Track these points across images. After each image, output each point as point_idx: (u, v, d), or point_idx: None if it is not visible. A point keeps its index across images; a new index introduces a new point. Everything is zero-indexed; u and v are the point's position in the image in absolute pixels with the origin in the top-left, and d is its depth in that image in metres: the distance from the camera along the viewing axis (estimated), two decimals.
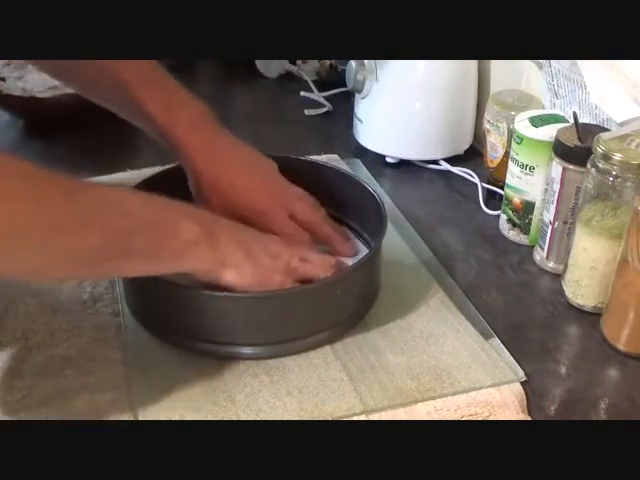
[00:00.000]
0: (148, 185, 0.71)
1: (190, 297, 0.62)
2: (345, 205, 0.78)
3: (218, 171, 0.70)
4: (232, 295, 0.63)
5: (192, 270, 0.61)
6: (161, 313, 0.64)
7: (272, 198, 0.71)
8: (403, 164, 0.96)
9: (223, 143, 0.71)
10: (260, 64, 1.22)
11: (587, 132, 0.70)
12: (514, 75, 0.91)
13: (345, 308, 0.66)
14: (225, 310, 0.63)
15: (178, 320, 0.63)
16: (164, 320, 0.64)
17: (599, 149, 0.65)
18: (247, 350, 0.63)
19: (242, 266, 0.61)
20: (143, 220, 0.56)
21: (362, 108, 0.97)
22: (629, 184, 0.65)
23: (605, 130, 0.70)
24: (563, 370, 0.65)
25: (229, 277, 0.61)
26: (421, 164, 0.96)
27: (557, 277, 0.74)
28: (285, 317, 0.63)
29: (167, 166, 0.78)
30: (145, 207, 0.57)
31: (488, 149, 0.88)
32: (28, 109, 1.01)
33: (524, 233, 0.81)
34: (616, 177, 0.65)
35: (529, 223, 0.80)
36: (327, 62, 1.20)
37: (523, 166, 0.77)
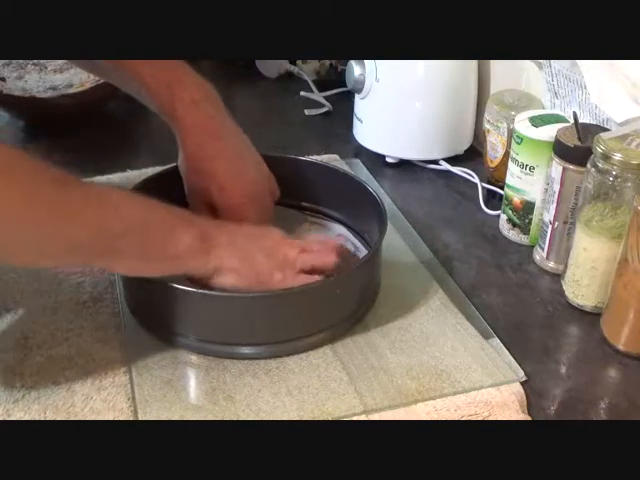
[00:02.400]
0: (148, 185, 0.71)
1: (190, 297, 0.61)
2: (345, 205, 0.78)
3: (203, 158, 0.70)
4: (232, 295, 0.63)
5: (185, 273, 0.61)
6: (161, 313, 0.64)
7: (248, 197, 0.70)
8: (403, 164, 0.96)
9: (217, 129, 0.71)
10: (260, 64, 1.22)
11: (587, 132, 0.70)
12: (514, 75, 0.91)
13: (345, 308, 0.66)
14: (225, 310, 0.62)
15: (178, 320, 0.63)
16: (164, 320, 0.64)
17: (599, 149, 0.65)
18: (247, 350, 0.63)
19: (239, 270, 0.62)
20: (134, 222, 0.56)
21: (362, 108, 0.97)
22: (629, 184, 0.65)
23: (605, 130, 0.70)
24: (563, 370, 0.65)
25: (228, 281, 0.61)
26: (421, 164, 0.96)
27: (557, 277, 0.74)
28: (285, 317, 0.63)
29: (167, 166, 0.77)
30: (138, 210, 0.57)
31: (488, 149, 0.88)
32: (28, 109, 1.01)
33: (524, 233, 0.81)
34: (616, 177, 0.65)
35: (529, 223, 0.80)
36: (327, 62, 1.20)
37: (523, 166, 0.77)
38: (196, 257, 0.60)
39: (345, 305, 0.66)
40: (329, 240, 0.69)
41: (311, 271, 0.64)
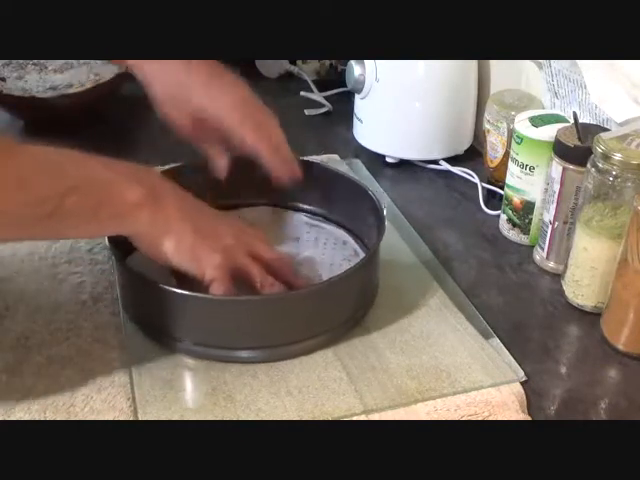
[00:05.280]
0: None
1: (187, 300, 0.61)
2: (343, 207, 0.77)
3: (176, 90, 0.68)
4: (233, 298, 0.62)
5: (132, 234, 0.59)
6: (159, 318, 0.63)
7: (237, 109, 0.69)
8: (403, 164, 0.96)
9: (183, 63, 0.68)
10: (260, 64, 1.22)
11: (587, 132, 0.70)
12: (514, 75, 0.91)
13: (343, 311, 0.65)
14: (226, 313, 0.62)
15: (176, 324, 0.63)
16: (162, 325, 0.63)
17: (599, 149, 0.65)
18: (246, 354, 0.63)
19: (183, 237, 0.59)
20: (79, 181, 0.54)
21: (362, 108, 0.97)
22: (629, 184, 0.65)
23: (605, 130, 0.70)
24: (563, 370, 0.65)
25: (167, 247, 0.59)
26: (421, 164, 0.96)
27: (557, 277, 0.74)
28: (284, 321, 0.62)
29: (167, 166, 0.78)
30: (82, 168, 0.55)
31: (488, 149, 0.88)
32: (28, 109, 1.01)
33: (524, 233, 0.81)
34: (616, 177, 0.65)
35: (529, 223, 0.80)
36: (327, 62, 1.20)
37: (523, 166, 0.77)
38: (146, 214, 0.57)
39: (343, 308, 0.65)
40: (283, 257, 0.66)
41: (243, 276, 0.62)
